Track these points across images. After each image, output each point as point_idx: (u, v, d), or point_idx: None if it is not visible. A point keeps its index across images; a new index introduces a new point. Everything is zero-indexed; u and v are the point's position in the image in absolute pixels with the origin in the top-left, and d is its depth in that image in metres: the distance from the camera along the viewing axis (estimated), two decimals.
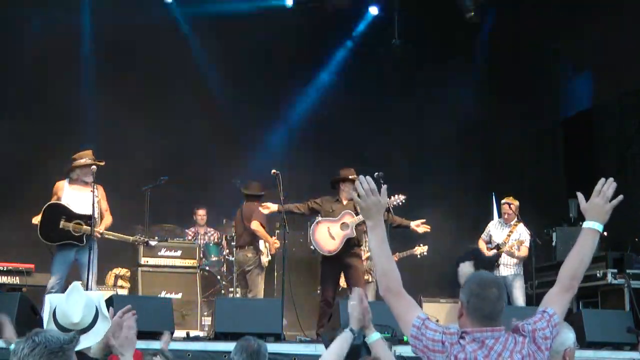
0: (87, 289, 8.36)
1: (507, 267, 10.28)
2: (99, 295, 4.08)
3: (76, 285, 3.98)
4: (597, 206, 3.59)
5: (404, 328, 3.33)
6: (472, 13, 13.14)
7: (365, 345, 4.84)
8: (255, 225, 10.24)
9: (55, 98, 12.22)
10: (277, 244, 10.52)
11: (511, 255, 10.25)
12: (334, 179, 9.87)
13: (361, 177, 3.50)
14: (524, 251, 10.30)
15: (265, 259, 10.46)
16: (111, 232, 9.22)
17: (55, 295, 3.97)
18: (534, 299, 10.42)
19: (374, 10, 14.01)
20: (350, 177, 9.62)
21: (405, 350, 7.61)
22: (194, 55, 13.18)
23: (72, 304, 3.81)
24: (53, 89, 12.16)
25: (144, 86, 12.54)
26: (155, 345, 6.75)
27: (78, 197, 9.17)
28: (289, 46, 13.49)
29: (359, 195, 3.46)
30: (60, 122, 12.29)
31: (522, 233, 10.39)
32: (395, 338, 7.92)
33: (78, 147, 11.95)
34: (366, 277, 10.47)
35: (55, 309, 3.83)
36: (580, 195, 3.69)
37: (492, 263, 10.29)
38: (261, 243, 10.39)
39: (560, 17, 12.81)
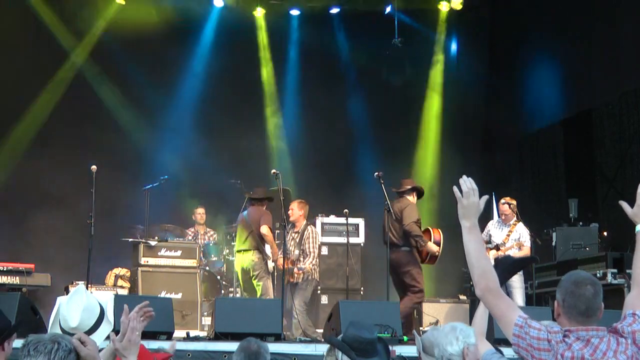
0: None
1: None
2: (108, 297, 4.02)
3: (79, 288, 3.94)
4: None
5: (504, 327, 3.31)
6: None
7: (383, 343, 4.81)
8: (265, 230, 10.09)
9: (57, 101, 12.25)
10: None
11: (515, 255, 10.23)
12: (402, 190, 9.90)
13: (464, 177, 3.46)
14: (524, 252, 10.28)
15: (271, 264, 10.27)
16: None
17: (64, 297, 3.93)
18: (534, 299, 10.41)
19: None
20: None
21: (405, 350, 7.61)
22: (193, 55, 13.17)
23: (72, 307, 3.78)
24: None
25: (144, 86, 12.53)
26: (154, 345, 6.75)
27: None
28: (289, 45, 13.51)
29: (461, 193, 3.41)
30: (59, 124, 12.30)
31: (522, 233, 10.37)
32: (395, 338, 7.93)
33: (79, 150, 12.03)
34: (292, 280, 10.17)
35: (59, 312, 3.83)
36: (623, 204, 3.82)
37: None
38: (267, 248, 10.22)
39: (561, 17, 12.82)
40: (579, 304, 3.29)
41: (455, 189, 3.42)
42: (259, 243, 10.18)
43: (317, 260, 10.33)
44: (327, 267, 11.05)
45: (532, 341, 3.21)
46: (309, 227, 10.46)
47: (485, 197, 3.46)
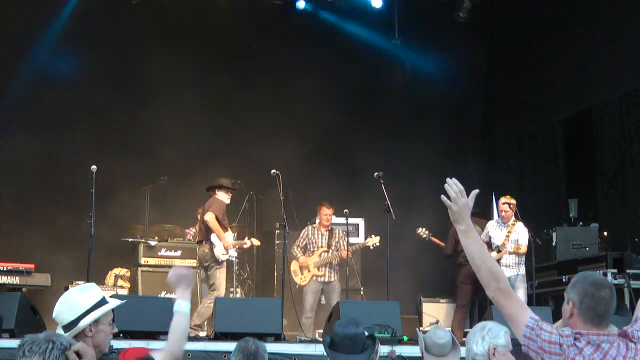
0: None
1: (510, 268, 10.16)
2: (115, 302, 3.90)
3: (87, 284, 3.97)
4: None
5: (515, 328, 3.27)
6: (461, 14, 13.17)
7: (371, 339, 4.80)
8: (208, 216, 9.71)
9: (57, 102, 12.25)
10: (247, 245, 10.29)
11: (515, 253, 10.18)
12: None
13: (448, 180, 3.37)
14: (522, 251, 10.23)
15: (219, 253, 9.77)
16: None
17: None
18: (533, 299, 10.41)
19: (377, 3, 13.82)
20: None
21: (405, 350, 7.61)
22: (193, 54, 13.17)
23: (61, 299, 3.82)
24: (56, 96, 12.19)
25: (143, 86, 12.53)
26: (154, 345, 6.75)
27: None
28: (289, 43, 13.52)
29: (449, 198, 3.33)
30: (59, 125, 12.29)
31: (521, 232, 10.26)
32: (395, 338, 7.93)
33: (79, 150, 12.05)
34: (320, 273, 10.53)
35: None
36: None
37: None
38: (213, 237, 9.78)
39: (561, 16, 12.82)
40: (599, 306, 3.25)
41: (442, 197, 3.34)
42: (207, 233, 9.84)
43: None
44: None
45: (543, 344, 3.18)
46: (337, 228, 10.85)
47: (475, 192, 3.40)
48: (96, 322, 3.77)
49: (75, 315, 3.76)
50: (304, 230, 10.87)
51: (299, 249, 10.69)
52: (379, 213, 10.11)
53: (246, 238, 10.63)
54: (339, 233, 10.78)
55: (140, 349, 3.92)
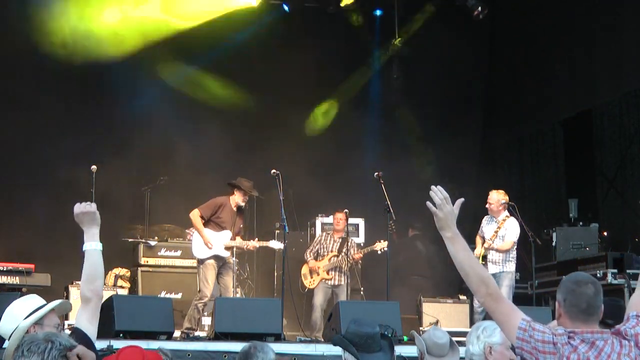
0: None
1: (495, 265, 9.69)
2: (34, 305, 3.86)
3: (28, 295, 3.95)
4: None
5: (508, 331, 3.29)
6: (479, 9, 13.13)
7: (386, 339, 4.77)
8: (191, 214, 9.57)
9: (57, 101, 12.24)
10: (253, 246, 9.99)
11: (491, 249, 9.72)
12: None
13: (433, 187, 3.39)
14: (507, 247, 9.70)
15: (197, 251, 9.48)
16: None
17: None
18: (533, 299, 10.39)
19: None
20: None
21: (405, 350, 7.61)
22: (195, 55, 13.18)
23: (4, 314, 3.81)
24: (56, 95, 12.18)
25: (143, 85, 12.53)
26: (155, 345, 6.75)
27: None
28: (290, 46, 13.51)
29: (434, 205, 3.35)
30: (59, 124, 12.29)
31: (509, 229, 9.78)
32: (395, 338, 7.92)
33: (79, 150, 12.04)
34: (329, 277, 10.52)
35: None
36: None
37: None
38: (195, 235, 9.60)
39: (561, 16, 12.83)
40: (581, 302, 3.28)
41: (428, 204, 3.36)
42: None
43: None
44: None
45: (537, 344, 3.19)
46: (350, 238, 10.80)
47: (460, 201, 3.42)
48: (40, 325, 3.74)
49: (17, 324, 3.74)
50: (317, 237, 11.06)
51: (311, 254, 10.77)
52: (379, 213, 10.11)
53: (256, 239, 10.30)
54: (351, 243, 10.76)
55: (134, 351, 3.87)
